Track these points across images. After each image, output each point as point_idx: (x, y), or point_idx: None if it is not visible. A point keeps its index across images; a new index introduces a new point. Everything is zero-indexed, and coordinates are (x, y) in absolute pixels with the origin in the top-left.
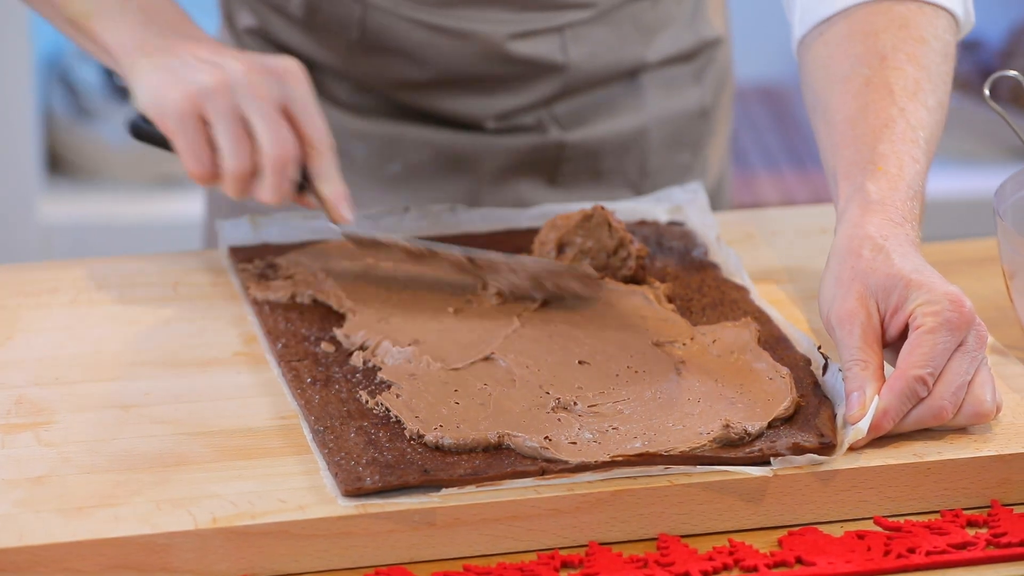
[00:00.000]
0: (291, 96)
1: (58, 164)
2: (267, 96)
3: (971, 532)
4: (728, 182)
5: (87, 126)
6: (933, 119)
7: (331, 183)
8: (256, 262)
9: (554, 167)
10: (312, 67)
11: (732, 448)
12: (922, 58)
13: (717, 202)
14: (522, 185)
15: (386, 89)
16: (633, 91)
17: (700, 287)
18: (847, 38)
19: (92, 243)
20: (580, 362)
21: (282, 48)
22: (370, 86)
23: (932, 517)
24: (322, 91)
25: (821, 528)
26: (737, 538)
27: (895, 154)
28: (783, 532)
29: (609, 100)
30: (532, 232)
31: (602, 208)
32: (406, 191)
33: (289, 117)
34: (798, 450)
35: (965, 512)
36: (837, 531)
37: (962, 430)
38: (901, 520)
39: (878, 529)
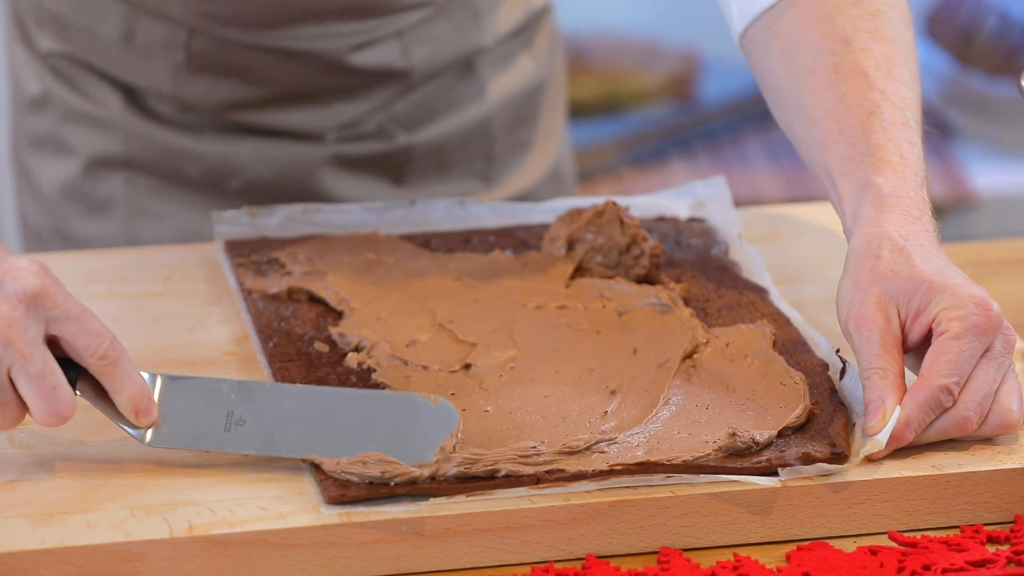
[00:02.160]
0: (50, 319)
1: None
2: (28, 350)
3: (991, 549)
4: (569, 159)
5: None
6: (913, 94)
7: (119, 392)
8: (253, 256)
9: (400, 168)
10: (132, 91)
11: (739, 458)
12: (884, 32)
13: (561, 182)
14: (365, 188)
15: (217, 109)
16: (470, 80)
17: (718, 287)
18: (800, 26)
19: None
20: (590, 370)
21: (95, 71)
22: (199, 107)
23: (951, 532)
24: (144, 110)
25: (832, 543)
26: (743, 552)
27: (891, 142)
28: (792, 547)
29: (448, 94)
30: (543, 227)
31: (614, 203)
32: (249, 204)
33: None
34: (808, 460)
35: (986, 528)
36: (849, 546)
37: (986, 440)
38: (918, 535)
39: (893, 545)
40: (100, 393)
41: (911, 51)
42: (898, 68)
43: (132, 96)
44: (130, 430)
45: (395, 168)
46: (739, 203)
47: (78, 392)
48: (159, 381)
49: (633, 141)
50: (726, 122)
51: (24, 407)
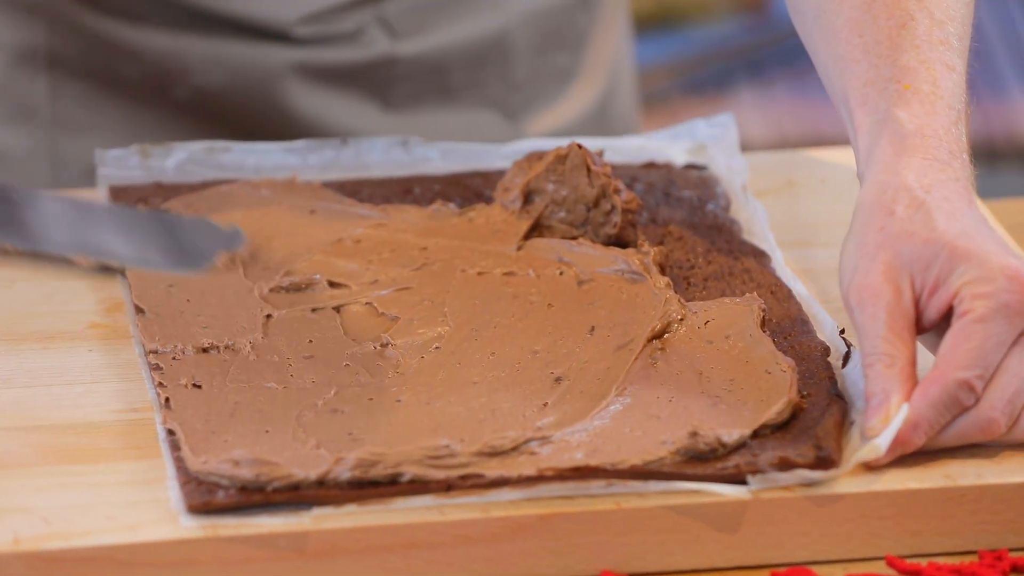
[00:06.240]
0: None
1: None
2: None
3: None
4: (628, 92)
5: None
6: (961, 3)
7: None
8: (141, 207)
9: (386, 87)
10: None
11: (701, 463)
12: None
13: (611, 120)
14: (344, 111)
15: None
16: None
17: (707, 252)
18: None
19: None
20: (534, 352)
21: None
22: None
23: (967, 559)
24: None
25: (816, 568)
26: None
27: (924, 64)
28: (764, 573)
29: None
30: (501, 174)
31: (579, 147)
32: (196, 122)
33: None
34: (785, 465)
35: (1011, 554)
36: (837, 573)
37: (1015, 446)
38: (923, 562)
39: (891, 573)
40: None
41: None
42: None
43: None
44: None
45: (380, 86)
46: (822, 141)
47: None
48: None
49: (692, 63)
50: None
51: None
